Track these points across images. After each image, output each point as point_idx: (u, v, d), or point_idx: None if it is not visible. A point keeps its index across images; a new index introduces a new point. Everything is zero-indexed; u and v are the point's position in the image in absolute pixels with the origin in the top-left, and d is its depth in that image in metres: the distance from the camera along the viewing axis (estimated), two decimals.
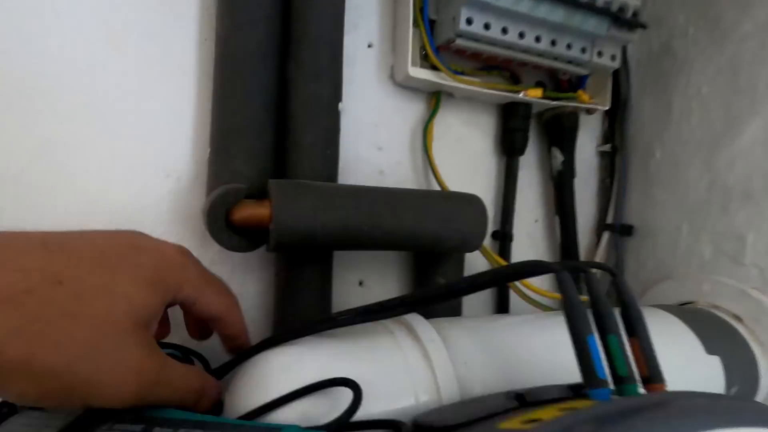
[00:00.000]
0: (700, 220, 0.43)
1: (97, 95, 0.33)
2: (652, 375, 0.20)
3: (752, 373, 0.34)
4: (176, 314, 0.26)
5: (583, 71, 0.43)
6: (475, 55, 0.42)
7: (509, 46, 0.39)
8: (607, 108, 0.47)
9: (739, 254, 0.39)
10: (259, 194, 0.32)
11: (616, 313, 0.21)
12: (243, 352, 0.25)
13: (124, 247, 0.21)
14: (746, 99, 0.40)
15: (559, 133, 0.46)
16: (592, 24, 0.39)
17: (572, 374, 0.19)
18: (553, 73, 0.46)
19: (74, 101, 0.32)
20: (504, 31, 0.38)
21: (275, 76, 0.34)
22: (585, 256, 0.51)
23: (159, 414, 0.18)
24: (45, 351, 0.17)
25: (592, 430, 0.13)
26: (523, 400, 0.19)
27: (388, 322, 0.28)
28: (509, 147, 0.45)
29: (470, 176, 0.46)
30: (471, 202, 0.36)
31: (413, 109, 0.43)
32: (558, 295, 0.28)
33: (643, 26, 0.40)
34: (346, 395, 0.22)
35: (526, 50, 0.40)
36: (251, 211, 0.29)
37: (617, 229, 0.49)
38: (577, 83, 0.46)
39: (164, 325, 0.27)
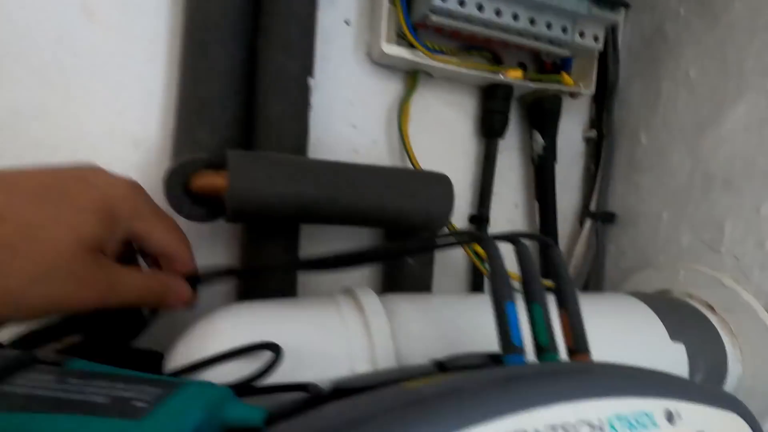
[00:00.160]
0: (681, 208, 0.42)
1: (67, 65, 0.33)
2: (578, 345, 0.19)
3: (719, 361, 0.33)
4: None
5: (564, 52, 0.42)
6: (455, 34, 0.41)
7: (486, 24, 0.38)
8: (591, 92, 0.46)
9: (716, 242, 0.38)
10: (222, 165, 0.32)
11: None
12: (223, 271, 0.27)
13: (70, 180, 0.21)
14: (733, 83, 0.39)
15: (541, 116, 0.46)
16: (572, 2, 0.38)
17: None
18: (536, 55, 0.45)
19: (43, 71, 0.33)
20: (479, 7, 0.37)
21: (245, 47, 0.34)
22: (566, 243, 0.50)
23: (78, 366, 0.19)
24: None
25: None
26: (443, 366, 0.19)
27: (337, 293, 0.28)
28: (489, 129, 0.45)
29: (448, 158, 0.45)
30: (438, 180, 0.36)
31: (391, 89, 0.43)
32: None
33: (626, 5, 0.39)
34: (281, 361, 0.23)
35: (504, 29, 0.39)
36: (208, 180, 0.30)
37: (599, 217, 0.48)
38: (561, 66, 0.45)
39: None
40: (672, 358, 0.32)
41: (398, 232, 0.39)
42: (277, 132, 0.35)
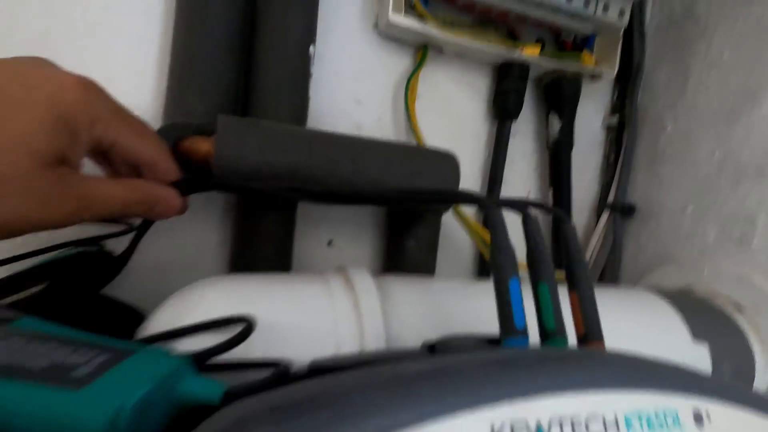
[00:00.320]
0: (708, 200, 0.38)
1: (60, 31, 0.32)
2: (590, 332, 0.17)
3: (745, 364, 0.30)
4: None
5: (586, 28, 0.39)
6: (468, 7, 0.39)
7: None
8: (614, 73, 0.42)
9: (747, 237, 0.35)
10: (214, 132, 0.30)
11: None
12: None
13: (13, 87, 0.19)
14: None
15: (558, 99, 0.43)
16: None
17: None
18: (556, 34, 0.43)
19: (36, 38, 0.31)
20: None
21: (242, 10, 0.32)
22: (582, 235, 0.47)
23: (27, 324, 0.17)
24: None
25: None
26: (433, 349, 0.17)
27: (328, 271, 0.26)
28: (502, 109, 0.42)
29: (457, 139, 0.43)
30: (444, 158, 0.33)
31: (398, 63, 0.41)
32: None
33: None
34: (257, 336, 0.21)
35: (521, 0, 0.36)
36: (195, 146, 0.28)
37: (618, 209, 0.45)
38: (582, 46, 0.42)
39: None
40: (694, 358, 0.29)
41: (405, 215, 0.36)
42: (273, 101, 0.33)
